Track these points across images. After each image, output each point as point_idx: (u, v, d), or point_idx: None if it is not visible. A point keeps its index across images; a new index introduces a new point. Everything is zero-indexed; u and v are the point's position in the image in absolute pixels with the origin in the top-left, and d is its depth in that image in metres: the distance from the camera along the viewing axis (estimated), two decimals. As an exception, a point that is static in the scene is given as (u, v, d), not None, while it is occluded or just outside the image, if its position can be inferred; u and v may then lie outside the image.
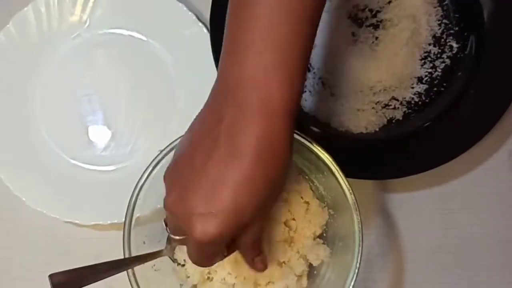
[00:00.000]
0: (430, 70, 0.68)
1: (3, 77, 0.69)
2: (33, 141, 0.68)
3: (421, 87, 0.68)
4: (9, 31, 0.68)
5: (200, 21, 0.69)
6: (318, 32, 0.70)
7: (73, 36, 0.70)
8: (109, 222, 0.64)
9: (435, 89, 0.68)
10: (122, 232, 0.55)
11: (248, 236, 0.45)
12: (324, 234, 0.60)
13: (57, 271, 0.46)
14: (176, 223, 0.44)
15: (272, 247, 0.58)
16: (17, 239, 0.67)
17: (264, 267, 0.52)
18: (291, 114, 0.41)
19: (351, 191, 0.54)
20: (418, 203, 0.67)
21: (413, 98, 0.68)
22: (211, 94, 0.43)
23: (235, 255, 0.54)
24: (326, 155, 0.54)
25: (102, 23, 0.70)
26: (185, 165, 0.43)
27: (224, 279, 0.59)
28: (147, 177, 0.55)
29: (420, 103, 0.68)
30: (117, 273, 0.51)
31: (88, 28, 0.70)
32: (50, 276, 0.45)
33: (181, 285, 0.60)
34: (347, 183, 0.54)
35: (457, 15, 0.69)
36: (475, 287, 0.66)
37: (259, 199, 0.40)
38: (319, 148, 0.54)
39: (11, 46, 0.69)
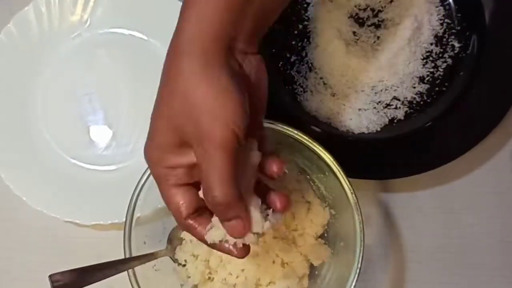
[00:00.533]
0: (431, 70, 0.68)
1: (4, 77, 0.69)
2: (33, 140, 0.68)
3: (422, 87, 0.68)
4: (10, 31, 0.68)
5: (201, 20, 0.69)
6: (319, 32, 0.70)
7: (73, 36, 0.70)
8: (109, 222, 0.64)
9: (436, 88, 0.68)
10: (122, 232, 0.55)
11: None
12: (325, 234, 0.60)
13: (57, 271, 0.46)
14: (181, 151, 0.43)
15: (274, 245, 0.58)
16: (17, 238, 0.67)
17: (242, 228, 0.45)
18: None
19: (352, 190, 0.53)
20: (419, 203, 0.67)
21: (414, 98, 0.68)
22: None
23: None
24: (328, 155, 0.54)
25: (102, 23, 0.70)
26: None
27: (225, 279, 0.59)
28: (148, 177, 0.55)
29: (421, 103, 0.68)
30: (118, 273, 0.51)
31: (89, 27, 0.70)
32: (50, 276, 0.45)
33: (181, 285, 0.60)
34: (348, 183, 0.54)
35: (459, 15, 0.69)
36: (477, 286, 0.66)
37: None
38: (321, 148, 0.54)
39: (12, 45, 0.69)
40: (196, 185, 0.44)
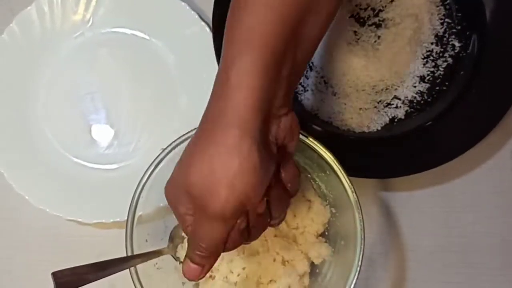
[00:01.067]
0: (432, 69, 0.68)
1: (6, 76, 0.69)
2: (36, 139, 0.68)
3: (423, 86, 0.68)
4: (12, 30, 0.69)
5: (203, 20, 0.69)
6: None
7: (76, 35, 0.70)
8: (111, 220, 0.64)
9: (437, 88, 0.68)
10: (124, 231, 0.55)
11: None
12: (326, 233, 0.61)
13: (59, 269, 0.46)
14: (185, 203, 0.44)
15: (275, 243, 0.58)
16: (19, 237, 0.67)
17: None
18: (241, 122, 0.41)
19: (353, 189, 0.54)
20: (420, 202, 0.67)
21: (415, 97, 0.68)
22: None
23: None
24: (328, 153, 0.54)
25: (105, 22, 0.70)
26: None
27: (226, 277, 0.59)
28: (150, 176, 0.55)
29: (422, 102, 0.68)
30: (120, 271, 0.51)
31: (91, 27, 0.70)
32: (53, 273, 0.45)
33: (183, 283, 0.60)
34: (349, 182, 0.54)
35: (459, 14, 0.69)
36: (477, 286, 0.66)
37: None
38: (321, 147, 0.54)
39: (14, 45, 0.69)
40: None
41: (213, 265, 0.45)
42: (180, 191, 0.43)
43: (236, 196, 0.40)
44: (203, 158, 0.41)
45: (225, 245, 0.44)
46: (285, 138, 0.44)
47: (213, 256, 0.44)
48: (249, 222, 0.44)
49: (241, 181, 0.40)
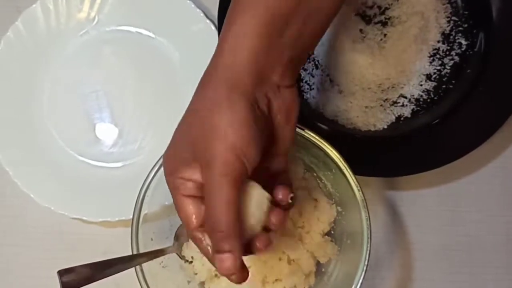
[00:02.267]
0: (438, 68, 0.68)
1: (11, 74, 0.69)
2: (40, 137, 0.68)
3: (429, 85, 0.68)
4: (17, 28, 0.68)
5: (208, 18, 0.69)
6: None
7: (81, 33, 0.70)
8: (116, 219, 0.64)
9: (443, 86, 0.68)
10: (129, 229, 0.55)
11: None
12: (332, 232, 0.60)
13: (65, 267, 0.46)
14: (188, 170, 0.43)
15: (281, 242, 0.57)
16: (24, 235, 0.67)
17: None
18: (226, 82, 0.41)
19: (359, 188, 0.53)
20: (426, 201, 0.67)
21: (421, 96, 0.68)
22: None
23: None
24: (335, 152, 0.54)
25: (110, 20, 0.70)
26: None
27: (232, 276, 0.59)
28: (155, 174, 0.55)
29: (428, 100, 0.68)
30: (125, 269, 0.51)
31: (96, 25, 0.70)
32: (59, 272, 0.45)
33: (188, 281, 0.60)
34: (355, 180, 0.54)
35: (466, 12, 0.69)
36: (483, 285, 0.66)
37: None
38: (328, 145, 0.54)
39: (19, 43, 0.69)
40: None
41: (241, 249, 0.41)
42: (181, 153, 0.43)
43: (230, 147, 0.40)
44: (196, 113, 0.42)
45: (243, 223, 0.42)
46: (281, 111, 0.44)
47: (233, 235, 0.40)
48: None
49: (232, 132, 0.40)
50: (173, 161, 0.44)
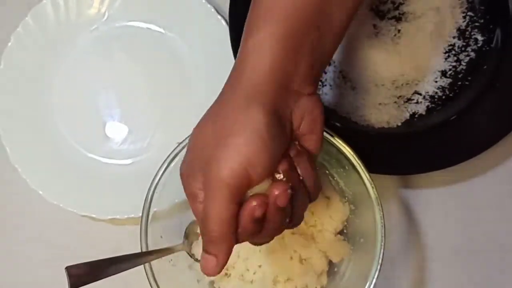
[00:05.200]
0: (454, 64, 0.67)
1: (21, 70, 0.68)
2: (50, 134, 0.68)
3: (445, 81, 0.67)
4: (27, 24, 0.68)
5: (219, 13, 0.68)
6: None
7: (91, 29, 0.70)
8: (126, 216, 0.63)
9: (459, 83, 0.67)
10: (139, 227, 0.54)
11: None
12: (345, 230, 0.60)
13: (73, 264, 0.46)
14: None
15: (292, 241, 0.57)
16: (33, 232, 0.67)
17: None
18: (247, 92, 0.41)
19: (373, 185, 0.53)
20: (441, 199, 0.66)
21: (436, 92, 0.67)
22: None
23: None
24: (348, 149, 0.53)
25: (120, 16, 0.70)
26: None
27: (242, 275, 0.59)
28: (164, 171, 0.55)
29: (443, 97, 0.66)
30: (134, 266, 0.50)
31: (106, 21, 0.70)
32: (67, 268, 0.44)
33: (198, 280, 0.60)
34: (369, 177, 0.53)
35: (482, 8, 0.68)
36: (500, 285, 0.65)
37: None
38: (340, 142, 0.53)
39: (29, 38, 0.68)
40: None
41: (227, 256, 0.42)
42: (195, 160, 0.42)
43: (240, 160, 0.39)
44: (214, 120, 0.42)
45: (237, 231, 0.42)
46: (303, 119, 0.43)
47: (224, 242, 0.41)
48: (265, 214, 0.42)
49: (245, 144, 0.39)
50: (187, 168, 0.43)
